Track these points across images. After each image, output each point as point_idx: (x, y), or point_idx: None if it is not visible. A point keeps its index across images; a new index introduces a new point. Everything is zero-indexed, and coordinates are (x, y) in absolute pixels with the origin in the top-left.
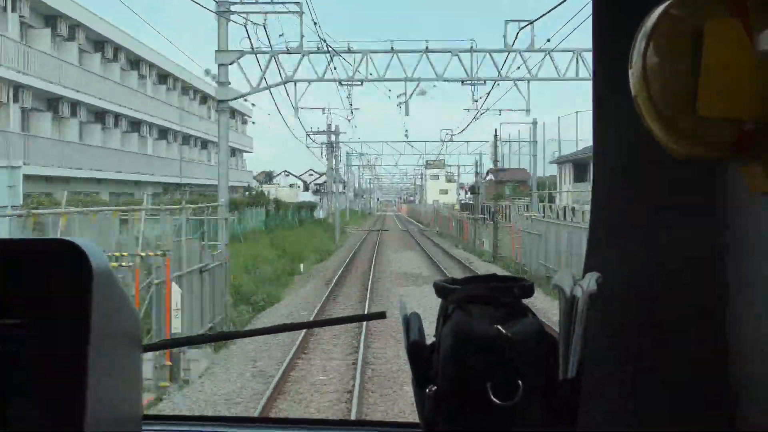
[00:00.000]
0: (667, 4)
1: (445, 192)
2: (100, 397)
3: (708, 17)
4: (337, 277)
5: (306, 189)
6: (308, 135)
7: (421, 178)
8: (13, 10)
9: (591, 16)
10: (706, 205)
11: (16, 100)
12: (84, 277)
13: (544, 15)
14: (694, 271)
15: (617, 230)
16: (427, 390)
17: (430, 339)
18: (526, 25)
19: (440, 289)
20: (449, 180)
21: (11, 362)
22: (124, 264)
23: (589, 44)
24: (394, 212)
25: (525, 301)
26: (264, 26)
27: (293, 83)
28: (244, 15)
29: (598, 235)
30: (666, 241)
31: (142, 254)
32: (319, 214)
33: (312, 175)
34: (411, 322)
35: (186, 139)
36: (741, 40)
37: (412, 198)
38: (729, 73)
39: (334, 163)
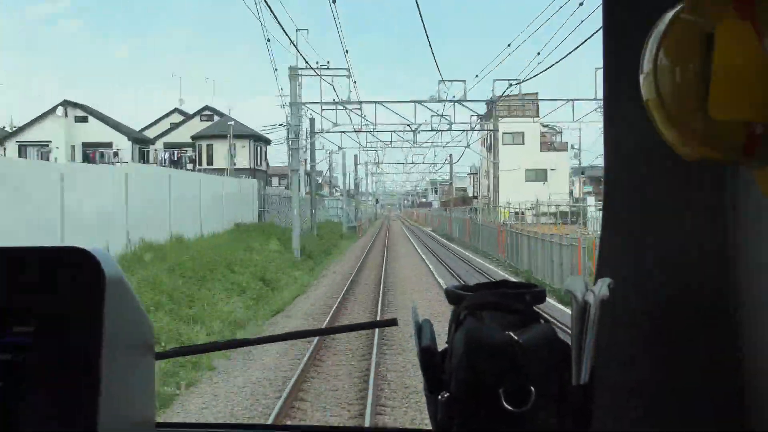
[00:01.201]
0: (677, 8)
1: (539, 175)
2: (113, 403)
3: (717, 21)
4: None
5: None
6: None
7: (488, 138)
8: None
9: (601, 22)
10: (714, 210)
11: None
12: (97, 284)
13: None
14: (703, 277)
15: (626, 237)
16: (440, 396)
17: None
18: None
19: (452, 296)
20: (552, 146)
21: (25, 369)
22: None
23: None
24: (401, 219)
25: None
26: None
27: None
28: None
29: (609, 241)
30: (674, 248)
31: None
32: None
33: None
34: (423, 329)
35: None
36: (751, 43)
37: (425, 199)
38: (739, 76)
39: None
